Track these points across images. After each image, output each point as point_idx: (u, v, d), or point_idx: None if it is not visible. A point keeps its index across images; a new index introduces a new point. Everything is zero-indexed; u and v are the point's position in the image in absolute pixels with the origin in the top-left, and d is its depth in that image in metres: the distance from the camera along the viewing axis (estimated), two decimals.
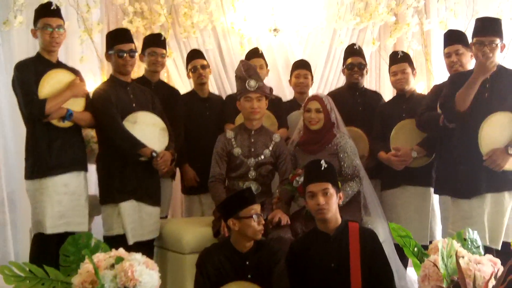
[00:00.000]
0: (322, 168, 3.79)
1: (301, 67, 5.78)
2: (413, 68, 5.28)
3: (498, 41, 4.40)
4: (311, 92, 5.84)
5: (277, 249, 3.98)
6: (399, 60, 5.25)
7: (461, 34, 5.08)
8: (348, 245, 3.69)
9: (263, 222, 3.93)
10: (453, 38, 4.98)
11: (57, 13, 4.54)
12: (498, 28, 4.44)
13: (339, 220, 3.79)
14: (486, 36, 4.40)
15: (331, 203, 3.72)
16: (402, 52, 5.39)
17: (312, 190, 3.74)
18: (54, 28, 4.48)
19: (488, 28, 4.43)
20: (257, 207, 3.89)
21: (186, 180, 5.61)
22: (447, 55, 4.96)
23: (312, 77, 5.85)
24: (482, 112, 4.38)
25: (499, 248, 4.29)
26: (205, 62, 5.64)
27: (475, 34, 4.47)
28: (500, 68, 4.50)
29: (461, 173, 4.49)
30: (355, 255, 3.66)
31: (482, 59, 4.32)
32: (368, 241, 3.74)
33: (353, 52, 5.63)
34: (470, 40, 4.56)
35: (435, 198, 5.15)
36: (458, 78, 4.64)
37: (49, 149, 4.44)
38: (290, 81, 5.89)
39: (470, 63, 4.92)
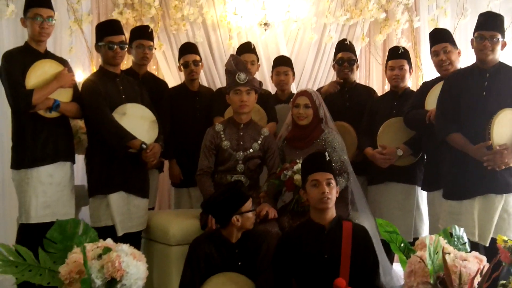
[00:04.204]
0: (326, 159, 3.86)
1: (281, 63, 5.73)
2: (410, 66, 5.28)
3: (499, 36, 4.39)
4: (301, 87, 5.83)
5: (261, 232, 4.15)
6: (399, 55, 5.24)
7: (447, 32, 5.09)
8: (341, 239, 3.74)
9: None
10: (440, 36, 4.98)
11: (48, 3, 4.52)
12: (500, 24, 4.43)
13: (334, 213, 3.83)
14: (487, 30, 4.38)
15: (333, 194, 3.78)
16: (403, 48, 5.35)
17: (317, 178, 3.77)
18: (45, 18, 4.45)
19: (490, 22, 4.42)
20: (250, 199, 4.07)
21: (171, 176, 5.64)
22: (435, 54, 4.95)
23: (293, 73, 5.79)
24: (481, 112, 4.38)
25: (487, 245, 4.31)
26: (197, 58, 5.57)
27: (477, 28, 4.45)
28: (500, 65, 4.49)
29: (455, 175, 4.51)
30: (347, 249, 3.70)
31: (482, 54, 4.40)
32: (360, 238, 3.79)
33: (343, 47, 5.62)
34: (467, 37, 4.56)
35: (420, 196, 5.16)
36: (426, 87, 4.89)
37: (34, 139, 4.43)
38: (271, 77, 5.86)
39: (458, 60, 4.94)
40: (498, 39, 4.39)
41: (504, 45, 4.46)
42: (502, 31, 4.42)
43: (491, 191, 4.38)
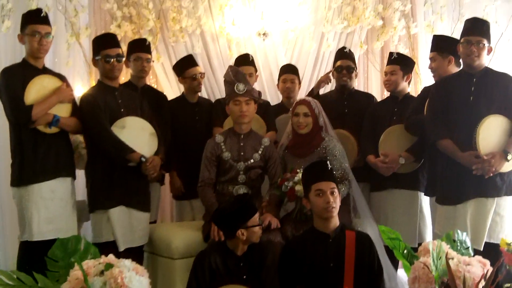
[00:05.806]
0: (329, 167, 3.88)
1: (288, 71, 5.78)
2: (406, 72, 5.25)
3: (485, 42, 4.43)
4: (300, 95, 5.84)
5: (267, 245, 4.12)
6: (391, 61, 5.28)
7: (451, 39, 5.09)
8: (345, 247, 3.74)
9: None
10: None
11: (45, 20, 4.51)
12: (486, 30, 4.48)
13: (338, 221, 3.83)
14: (474, 35, 4.43)
15: (337, 203, 3.78)
16: (397, 54, 5.38)
17: (321, 188, 3.78)
18: (43, 35, 4.45)
19: (476, 28, 4.47)
20: (258, 213, 4.03)
21: (172, 188, 5.63)
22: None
23: (299, 81, 5.84)
24: (468, 116, 4.42)
25: (481, 249, 4.32)
26: (202, 70, 5.63)
27: (464, 34, 4.51)
28: (487, 70, 4.53)
29: (447, 179, 4.55)
30: (350, 257, 3.70)
31: (468, 59, 4.42)
32: (364, 246, 3.80)
33: (342, 55, 5.64)
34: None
35: (424, 201, 5.16)
36: (426, 92, 4.85)
37: (34, 155, 4.41)
38: (278, 85, 5.88)
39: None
40: (484, 44, 4.45)
41: (490, 50, 4.53)
42: (488, 37, 4.48)
43: (482, 194, 4.41)
